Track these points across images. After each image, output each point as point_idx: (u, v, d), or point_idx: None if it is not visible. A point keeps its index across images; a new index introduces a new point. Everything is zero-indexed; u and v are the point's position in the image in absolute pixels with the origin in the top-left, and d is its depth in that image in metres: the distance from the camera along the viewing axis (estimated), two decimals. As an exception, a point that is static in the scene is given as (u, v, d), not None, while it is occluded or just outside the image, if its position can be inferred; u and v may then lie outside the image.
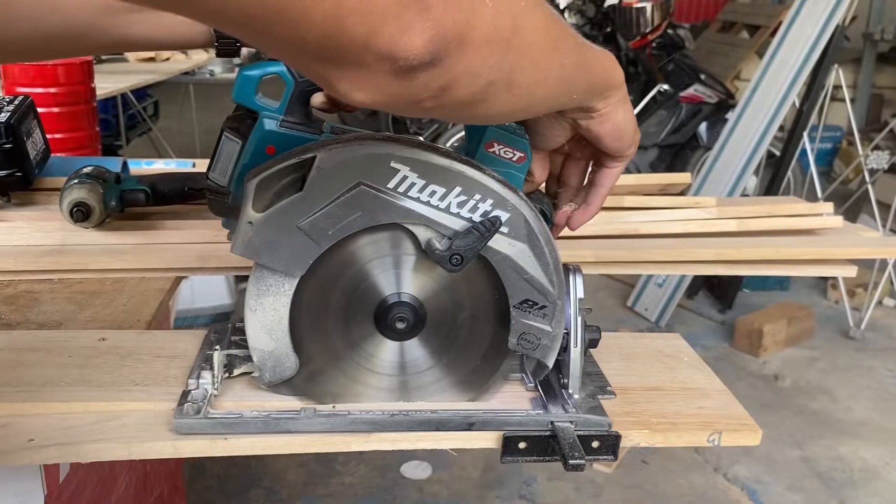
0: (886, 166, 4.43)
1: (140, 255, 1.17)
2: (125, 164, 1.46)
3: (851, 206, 4.50)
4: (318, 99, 0.81)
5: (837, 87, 3.96)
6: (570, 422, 0.81)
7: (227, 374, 0.86)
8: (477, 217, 0.75)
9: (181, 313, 3.42)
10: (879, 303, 3.98)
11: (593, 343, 0.88)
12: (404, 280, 0.80)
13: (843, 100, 4.11)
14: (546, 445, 0.81)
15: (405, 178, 0.73)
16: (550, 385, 0.87)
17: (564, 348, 0.85)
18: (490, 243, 0.76)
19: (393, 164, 0.73)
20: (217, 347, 0.83)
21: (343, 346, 0.82)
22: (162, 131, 5.23)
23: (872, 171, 4.31)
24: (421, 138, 0.79)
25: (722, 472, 2.71)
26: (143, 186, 1.25)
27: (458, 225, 0.75)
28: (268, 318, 0.78)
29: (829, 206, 1.46)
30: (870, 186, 4.12)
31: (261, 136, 0.81)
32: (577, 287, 0.85)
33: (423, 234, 0.77)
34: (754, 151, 3.77)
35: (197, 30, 0.76)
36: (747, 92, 3.90)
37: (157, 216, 1.30)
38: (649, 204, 1.53)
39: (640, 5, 4.99)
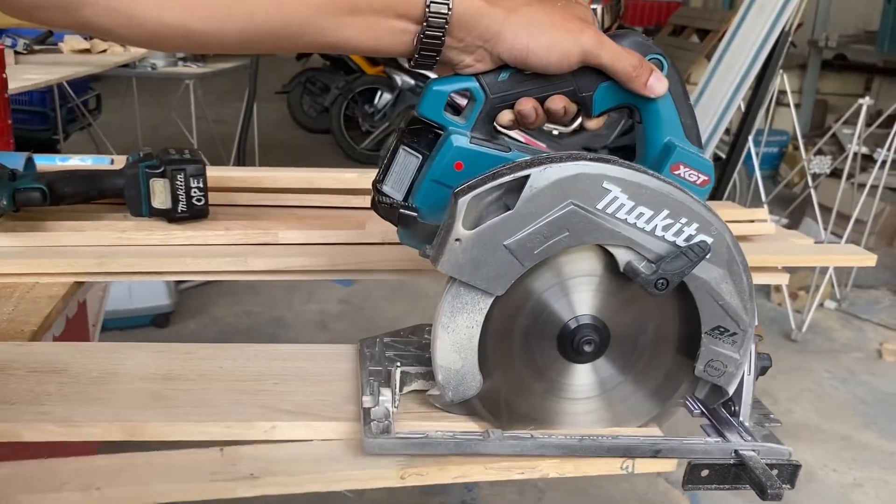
0: (829, 171, 4.47)
1: (32, 258, 1.06)
2: (29, 160, 1.29)
3: (795, 209, 4.53)
4: (505, 118, 0.80)
5: (783, 93, 4.00)
6: (754, 450, 0.80)
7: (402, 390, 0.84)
8: (681, 241, 0.75)
9: (118, 314, 3.34)
10: (821, 305, 4.00)
11: (763, 370, 0.87)
12: (588, 301, 0.79)
13: (789, 105, 4.17)
14: (727, 473, 0.80)
15: (615, 199, 0.73)
16: (717, 412, 0.86)
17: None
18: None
19: (605, 185, 0.72)
20: (398, 363, 0.81)
21: (525, 366, 0.81)
22: (104, 126, 5.12)
23: (815, 176, 4.34)
24: (629, 163, 0.78)
25: (664, 476, 2.69)
26: (39, 185, 1.12)
27: (660, 248, 0.75)
28: (459, 337, 0.77)
29: (763, 212, 1.43)
30: (812, 190, 4.13)
31: (451, 152, 0.80)
32: (755, 311, 0.84)
33: (623, 255, 0.76)
34: None
35: (401, 39, 0.75)
36: (694, 95, 3.88)
37: (58, 216, 1.17)
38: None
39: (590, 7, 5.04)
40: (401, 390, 0.85)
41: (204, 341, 0.97)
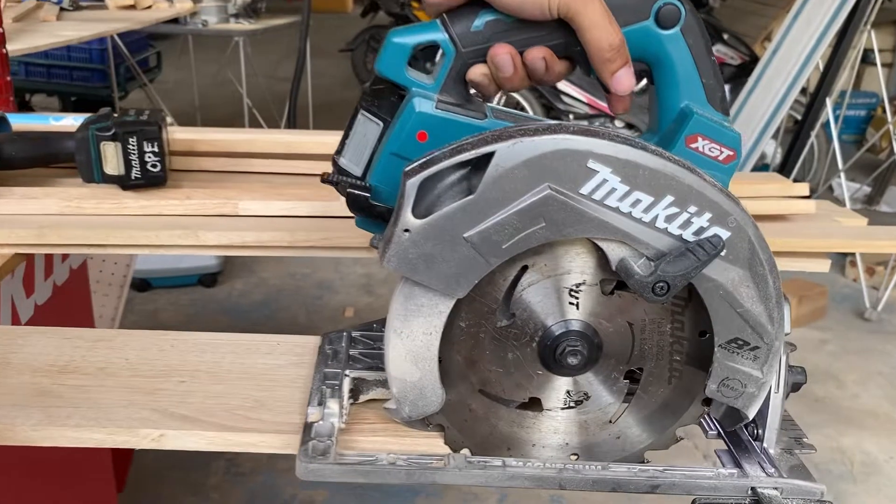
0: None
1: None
2: (2, 120, 1.17)
3: (880, 176, 4.18)
4: (477, 72, 0.65)
5: (870, 51, 3.64)
6: (776, 488, 0.66)
7: (352, 401, 0.72)
8: (689, 235, 0.60)
9: (166, 273, 3.34)
10: (900, 282, 3.69)
11: (796, 387, 0.72)
12: (578, 304, 0.65)
13: (876, 64, 3.82)
14: (743, 514, 0.66)
15: (604, 181, 0.58)
16: (738, 435, 0.72)
17: (760, 392, 0.69)
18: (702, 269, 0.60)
19: (591, 164, 0.57)
20: (347, 371, 0.69)
21: (498, 380, 0.68)
22: (163, 84, 5.04)
23: (903, 140, 4.00)
24: (626, 131, 0.62)
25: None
26: None
27: (662, 244, 0.60)
28: (416, 344, 0.64)
29: (803, 188, 1.20)
30: (898, 156, 3.82)
31: (412, 119, 0.66)
32: (785, 319, 0.69)
33: (615, 251, 0.61)
34: (773, 116, 3.47)
35: None
36: (768, 52, 3.59)
37: (18, 181, 1.06)
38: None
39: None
40: (356, 399, 0.72)
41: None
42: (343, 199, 0.69)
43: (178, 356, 0.79)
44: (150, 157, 1.02)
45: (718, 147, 0.66)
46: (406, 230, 0.59)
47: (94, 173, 1.01)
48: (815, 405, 2.82)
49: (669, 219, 0.59)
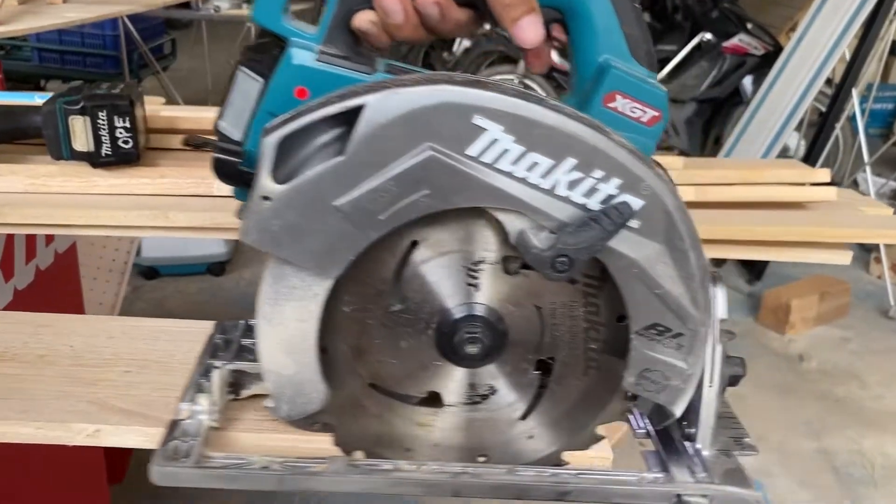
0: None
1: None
2: None
3: None
4: (363, 19, 0.57)
5: None
6: (704, 496, 0.58)
7: (233, 396, 0.64)
8: (595, 203, 0.52)
9: (174, 261, 3.27)
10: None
11: (734, 380, 0.64)
12: (479, 285, 0.57)
13: None
14: (667, 525, 0.58)
15: (494, 140, 0.50)
16: (669, 434, 0.64)
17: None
18: (612, 243, 0.52)
19: (478, 121, 0.49)
20: (218, 362, 0.60)
21: (391, 374, 0.60)
22: (178, 72, 4.91)
23: (929, 135, 3.92)
24: (520, 84, 0.54)
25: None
26: None
27: (565, 213, 0.52)
28: (289, 333, 0.56)
29: (824, 174, 1.14)
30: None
31: (288, 73, 0.57)
32: (718, 302, 0.61)
33: (513, 223, 0.53)
34: (796, 107, 3.38)
35: None
36: (793, 41, 3.51)
37: None
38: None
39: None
40: (237, 395, 0.64)
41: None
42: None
43: (128, 344, 0.73)
44: (121, 133, 0.94)
45: (641, 107, 0.58)
46: (265, 197, 0.51)
47: (62, 149, 0.94)
48: (836, 406, 2.74)
49: (572, 185, 0.51)
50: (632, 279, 0.54)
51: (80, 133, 0.95)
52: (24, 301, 1.31)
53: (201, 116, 1.13)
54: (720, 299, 0.61)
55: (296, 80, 0.57)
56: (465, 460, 0.62)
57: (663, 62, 4.38)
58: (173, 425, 0.59)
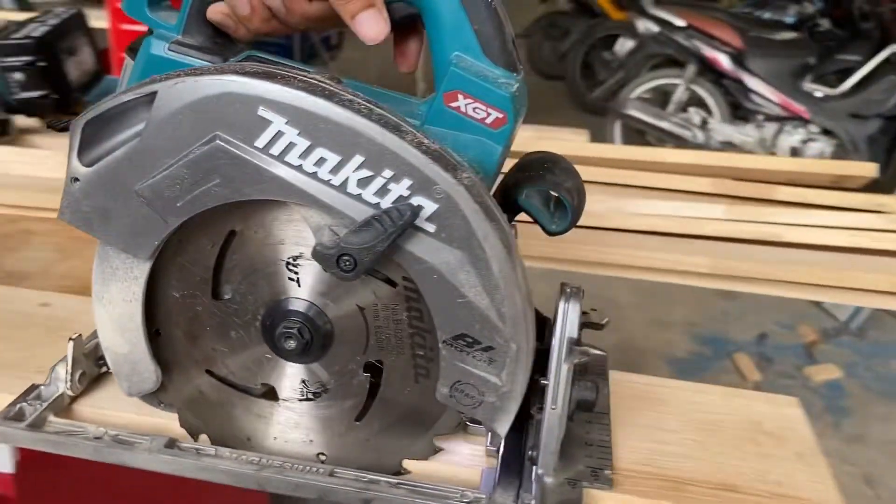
0: None
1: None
2: None
3: None
4: (216, 11, 0.58)
5: None
6: (518, 525, 0.54)
7: (104, 369, 0.67)
8: (388, 203, 0.50)
9: None
10: None
11: (585, 405, 0.59)
12: (300, 283, 0.56)
13: None
14: (478, 551, 0.55)
15: (280, 133, 0.49)
16: (512, 455, 0.60)
17: (541, 407, 0.58)
18: (408, 246, 0.50)
19: (263, 113, 0.49)
20: (76, 335, 0.63)
21: (225, 364, 0.60)
22: (344, 63, 4.95)
23: None
24: (320, 75, 0.53)
25: None
26: None
27: (358, 212, 0.50)
28: (118, 313, 0.58)
29: (891, 201, 1.03)
30: None
31: (144, 61, 0.60)
32: (569, 320, 0.57)
33: (315, 219, 0.52)
34: None
35: None
36: None
37: None
38: (809, 200, 1.16)
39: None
40: (106, 368, 0.67)
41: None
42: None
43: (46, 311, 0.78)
44: None
45: (484, 107, 0.55)
46: (75, 178, 0.53)
47: None
48: None
49: (362, 183, 0.50)
50: (434, 286, 0.52)
51: None
52: None
53: None
54: (571, 316, 0.57)
55: (150, 68, 0.59)
56: (304, 458, 0.61)
57: (846, 73, 4.02)
58: (30, 389, 0.63)
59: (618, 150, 1.31)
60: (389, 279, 0.55)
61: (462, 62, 0.56)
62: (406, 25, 0.61)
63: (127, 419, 0.64)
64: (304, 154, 0.49)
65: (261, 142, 0.49)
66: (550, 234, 0.64)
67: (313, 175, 0.50)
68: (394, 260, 0.51)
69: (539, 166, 0.64)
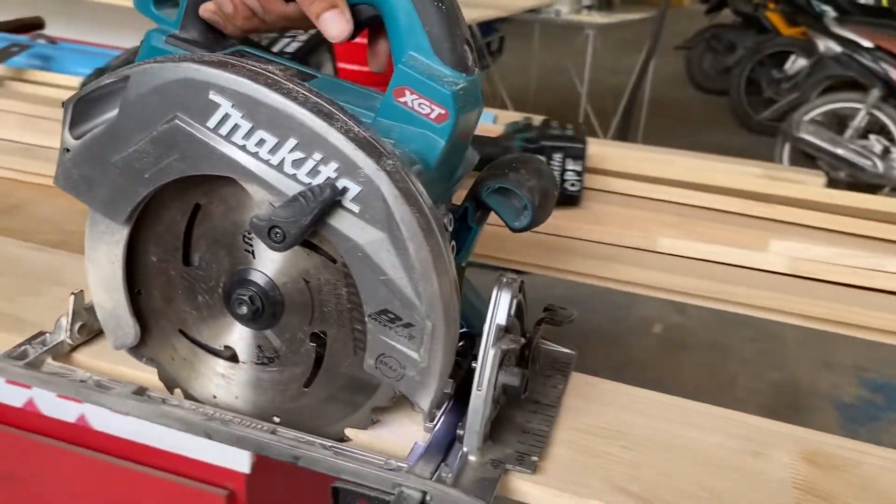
0: None
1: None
2: None
3: None
4: (206, 9, 0.65)
5: None
6: (423, 492, 0.58)
7: (106, 325, 0.75)
8: (317, 184, 0.55)
9: None
10: None
11: (511, 390, 0.62)
12: (254, 255, 0.62)
13: None
14: (384, 514, 0.59)
15: (227, 116, 0.55)
16: (443, 432, 0.64)
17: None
18: (335, 223, 0.55)
19: (212, 97, 0.55)
20: (77, 291, 0.72)
21: (194, 324, 0.67)
22: (501, 67, 4.91)
23: None
24: (275, 61, 0.59)
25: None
26: None
27: (293, 191, 0.56)
28: (104, 273, 0.66)
29: None
30: None
31: (145, 52, 0.68)
32: (500, 308, 0.60)
33: (259, 195, 0.58)
34: None
35: None
36: None
37: None
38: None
39: None
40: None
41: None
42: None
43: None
44: (571, 175, 1.01)
45: (428, 103, 0.60)
46: (66, 149, 0.61)
47: None
48: None
49: (296, 164, 0.55)
50: (359, 262, 0.56)
51: None
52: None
53: (628, 155, 1.19)
54: (502, 304, 0.61)
55: (149, 59, 0.67)
56: (261, 418, 0.67)
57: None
58: (37, 335, 0.72)
59: (859, 198, 1.13)
60: (331, 256, 0.59)
61: (412, 61, 0.60)
62: (376, 27, 0.66)
63: (118, 371, 0.72)
64: (248, 135, 0.55)
65: (211, 122, 0.56)
66: (513, 230, 0.68)
67: (255, 154, 0.55)
68: (326, 237, 0.56)
69: (507, 165, 0.68)
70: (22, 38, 1.67)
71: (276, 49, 1.02)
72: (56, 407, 0.76)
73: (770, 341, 2.73)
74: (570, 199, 1.06)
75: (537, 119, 1.18)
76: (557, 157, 1.03)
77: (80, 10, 2.16)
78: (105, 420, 0.75)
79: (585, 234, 1.00)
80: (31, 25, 1.79)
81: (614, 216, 1.05)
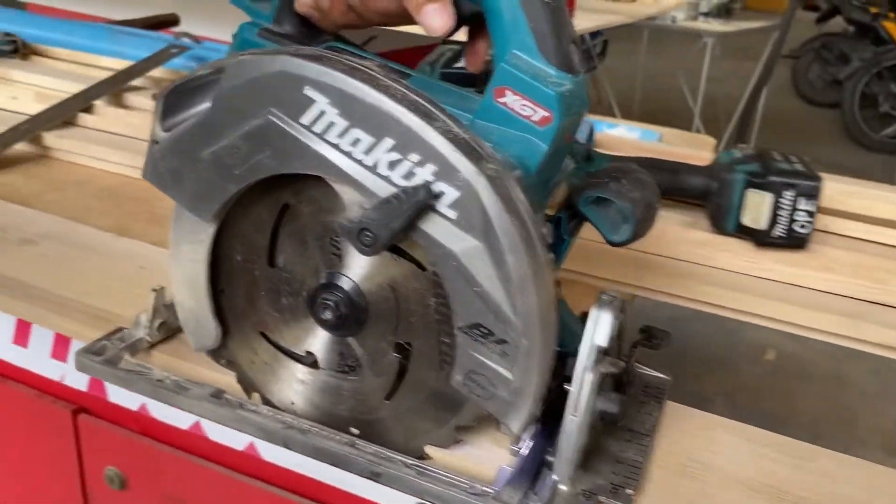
0: None
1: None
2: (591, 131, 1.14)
3: None
4: (302, 3, 0.63)
5: None
6: (503, 523, 0.54)
7: (186, 324, 0.74)
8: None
9: None
10: None
11: (609, 418, 0.58)
12: (341, 258, 0.60)
13: None
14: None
15: (322, 113, 0.53)
16: (534, 456, 0.60)
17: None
18: (429, 229, 0.52)
19: (308, 92, 0.53)
20: (157, 287, 0.70)
21: (276, 327, 0.64)
22: (604, 69, 4.84)
23: None
24: (370, 58, 0.56)
25: None
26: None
27: (387, 193, 0.53)
28: (187, 270, 0.64)
29: None
30: None
31: (238, 44, 0.66)
32: (600, 329, 0.56)
33: (350, 196, 0.55)
34: None
35: None
36: None
37: None
38: None
39: None
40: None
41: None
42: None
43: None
44: (801, 216, 0.91)
45: (531, 105, 0.56)
46: (155, 142, 0.59)
47: (727, 221, 0.92)
48: None
49: (392, 165, 0.52)
50: (452, 271, 0.53)
51: (756, 208, 0.91)
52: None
53: (865, 193, 1.05)
54: (602, 325, 0.56)
55: (242, 51, 0.65)
56: (338, 428, 0.64)
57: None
58: (116, 331, 0.71)
59: None
60: (420, 264, 0.56)
61: (515, 60, 0.57)
62: (477, 26, 0.63)
63: (196, 372, 0.70)
64: (343, 134, 0.52)
65: (306, 119, 0.53)
66: (611, 243, 0.64)
67: (349, 154, 0.53)
68: (419, 243, 0.53)
69: (608, 174, 0.64)
70: (168, 36, 1.58)
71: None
72: (225, 434, 0.75)
73: (892, 374, 2.57)
74: (797, 242, 0.93)
75: (743, 147, 1.03)
76: (788, 194, 0.91)
77: (209, 4, 1.97)
78: (274, 452, 0.73)
79: (812, 282, 0.88)
80: (167, 22, 1.72)
81: (845, 264, 0.91)
